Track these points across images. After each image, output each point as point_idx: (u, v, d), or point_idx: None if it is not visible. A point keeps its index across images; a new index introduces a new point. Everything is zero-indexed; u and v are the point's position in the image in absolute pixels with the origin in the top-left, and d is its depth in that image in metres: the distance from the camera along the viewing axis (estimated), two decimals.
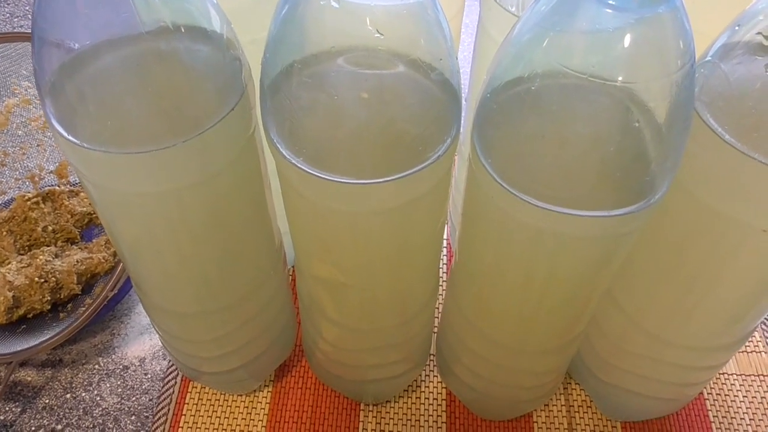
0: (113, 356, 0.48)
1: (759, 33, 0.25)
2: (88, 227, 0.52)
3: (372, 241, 0.29)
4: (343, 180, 0.26)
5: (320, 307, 0.36)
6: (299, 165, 0.26)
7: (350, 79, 0.26)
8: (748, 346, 0.48)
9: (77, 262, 0.47)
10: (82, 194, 0.52)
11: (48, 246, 0.48)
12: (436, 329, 0.47)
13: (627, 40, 0.23)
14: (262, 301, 0.38)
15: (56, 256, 0.47)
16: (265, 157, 0.33)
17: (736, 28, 0.25)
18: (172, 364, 0.47)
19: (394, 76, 0.26)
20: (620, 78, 0.24)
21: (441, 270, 0.52)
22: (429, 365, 0.47)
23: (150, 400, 0.45)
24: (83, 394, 0.46)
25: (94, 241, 0.50)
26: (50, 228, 0.48)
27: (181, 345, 0.39)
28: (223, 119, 0.27)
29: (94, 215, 0.51)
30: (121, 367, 0.47)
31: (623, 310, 0.36)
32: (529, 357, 0.36)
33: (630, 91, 0.24)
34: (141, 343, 0.48)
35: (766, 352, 0.48)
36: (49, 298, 0.46)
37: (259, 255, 0.36)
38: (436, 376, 0.46)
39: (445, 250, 0.54)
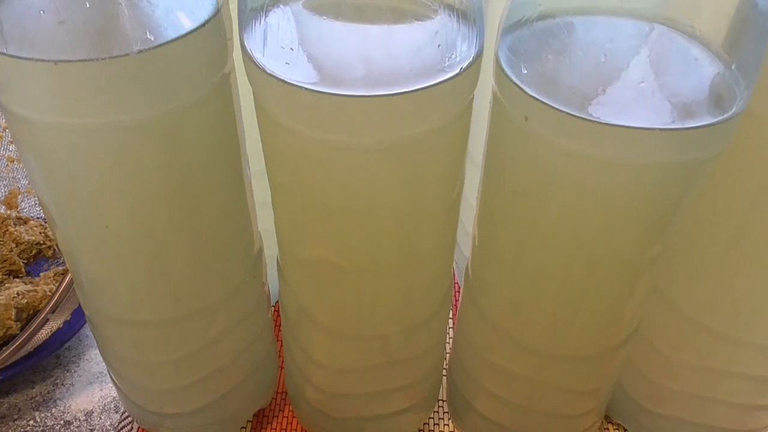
0: (53, 410, 0.39)
1: None
2: (36, 260, 0.44)
3: (375, 195, 0.23)
4: (339, 92, 0.20)
5: (310, 312, 0.29)
6: (280, 77, 0.20)
7: None
8: None
9: (18, 294, 0.40)
10: (31, 222, 0.45)
11: None
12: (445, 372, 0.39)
13: None
14: (240, 337, 0.31)
15: None
16: (243, 130, 0.27)
17: None
18: (126, 416, 0.38)
19: None
20: None
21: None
22: (438, 411, 0.39)
23: None
24: None
25: (41, 275, 0.43)
26: None
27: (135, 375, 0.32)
28: (190, 34, 0.21)
29: (43, 245, 0.44)
30: (61, 422, 0.39)
31: (679, 308, 0.29)
32: (565, 367, 0.29)
33: None
34: (89, 395, 0.40)
35: None
36: None
37: (235, 252, 0.29)
38: (447, 425, 0.38)
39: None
